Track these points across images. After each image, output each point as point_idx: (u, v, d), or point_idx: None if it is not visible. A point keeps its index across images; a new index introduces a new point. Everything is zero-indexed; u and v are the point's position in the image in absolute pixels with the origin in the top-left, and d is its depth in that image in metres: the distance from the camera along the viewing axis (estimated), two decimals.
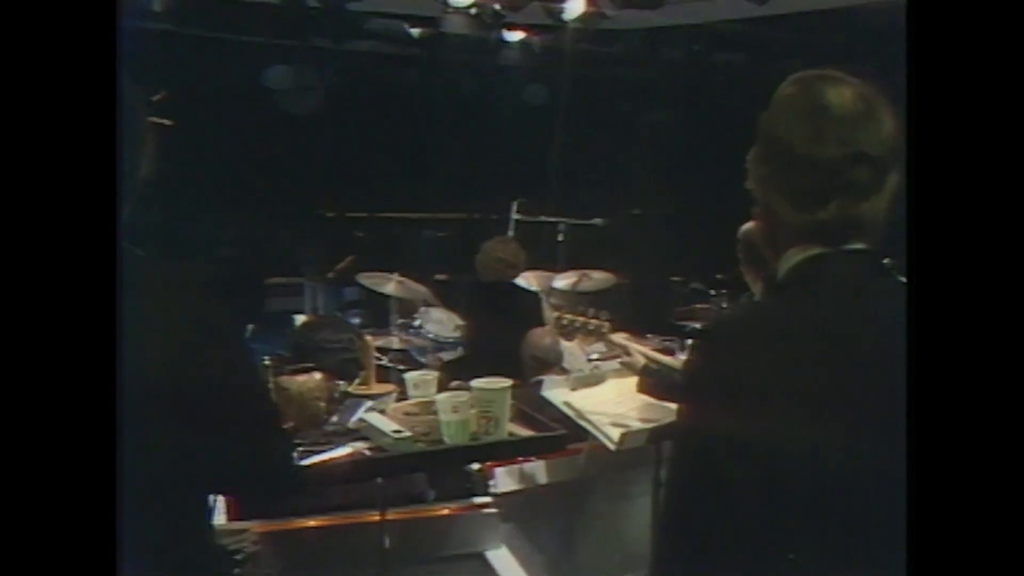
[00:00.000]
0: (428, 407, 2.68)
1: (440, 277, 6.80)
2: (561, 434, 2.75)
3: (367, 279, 6.04)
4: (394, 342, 5.49)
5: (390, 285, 5.85)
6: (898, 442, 1.21)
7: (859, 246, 1.37)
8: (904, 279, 1.46)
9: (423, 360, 5.21)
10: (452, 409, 2.58)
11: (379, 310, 6.27)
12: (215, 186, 7.03)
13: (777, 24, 7.07)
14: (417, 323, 5.69)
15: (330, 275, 6.70)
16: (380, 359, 4.79)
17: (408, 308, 5.89)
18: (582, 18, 6.17)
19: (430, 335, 5.58)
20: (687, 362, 1.46)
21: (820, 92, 1.38)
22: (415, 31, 7.40)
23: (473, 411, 2.61)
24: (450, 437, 2.59)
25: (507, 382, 2.67)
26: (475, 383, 2.68)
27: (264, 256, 7.84)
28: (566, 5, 6.03)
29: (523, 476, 3.07)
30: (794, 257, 1.38)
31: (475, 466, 3.23)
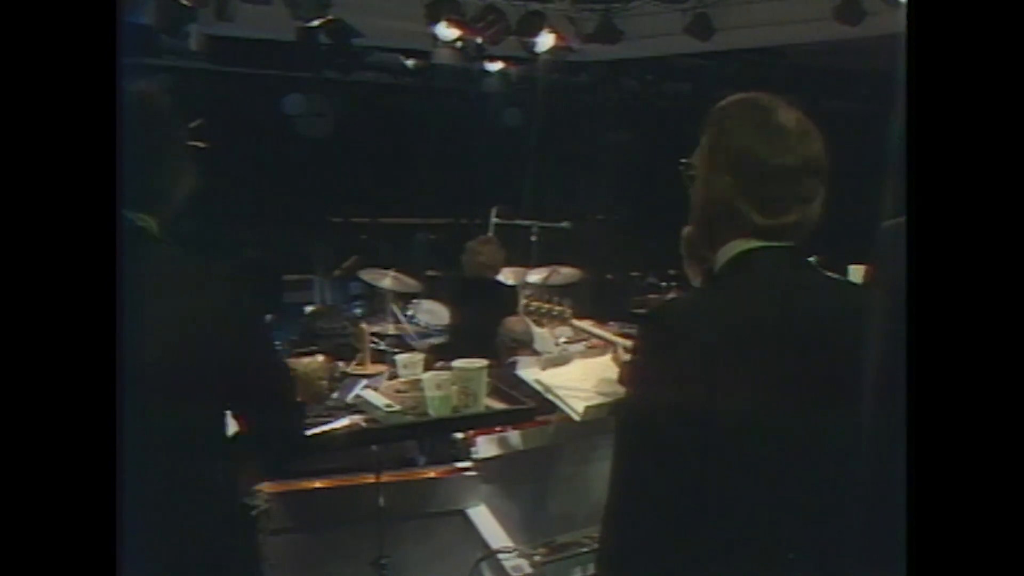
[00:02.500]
0: (416, 385, 2.66)
1: (431, 273, 6.76)
2: (532, 407, 2.72)
3: (367, 275, 5.98)
4: (389, 329, 5.44)
5: (387, 280, 5.80)
6: (813, 405, 1.27)
7: (786, 243, 1.34)
8: (829, 273, 1.44)
9: (414, 344, 5.15)
10: (436, 386, 2.55)
11: (378, 301, 6.23)
12: (242, 197, 7.04)
13: (718, 58, 7.11)
14: (410, 312, 5.64)
15: (336, 272, 6.66)
16: (377, 343, 4.74)
17: (402, 300, 5.85)
18: (552, 51, 6.13)
19: (421, 323, 5.54)
20: (636, 340, 1.42)
21: (772, 111, 1.34)
22: (409, 63, 7.38)
23: (454, 388, 2.58)
24: (434, 410, 2.56)
25: (484, 362, 2.65)
26: (456, 363, 2.65)
27: (281, 256, 7.83)
28: (538, 40, 5.98)
29: (499, 444, 3.02)
30: (729, 252, 1.35)
31: (458, 435, 3.19)
